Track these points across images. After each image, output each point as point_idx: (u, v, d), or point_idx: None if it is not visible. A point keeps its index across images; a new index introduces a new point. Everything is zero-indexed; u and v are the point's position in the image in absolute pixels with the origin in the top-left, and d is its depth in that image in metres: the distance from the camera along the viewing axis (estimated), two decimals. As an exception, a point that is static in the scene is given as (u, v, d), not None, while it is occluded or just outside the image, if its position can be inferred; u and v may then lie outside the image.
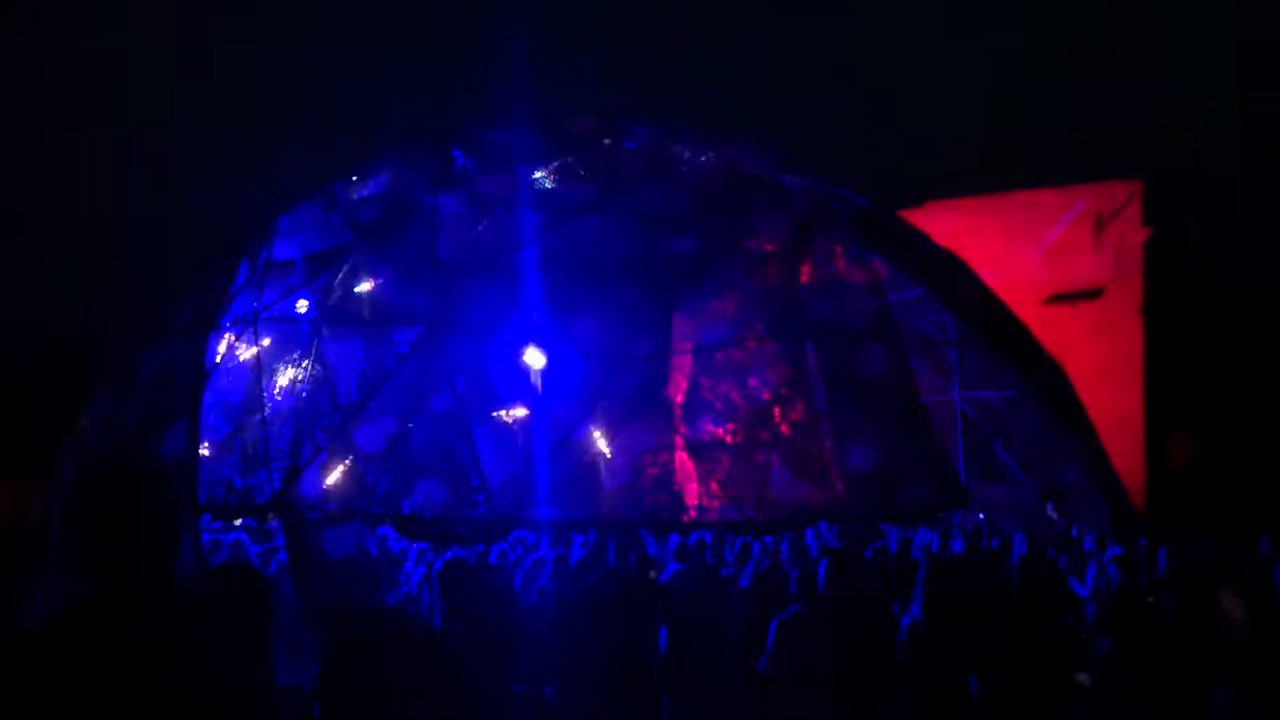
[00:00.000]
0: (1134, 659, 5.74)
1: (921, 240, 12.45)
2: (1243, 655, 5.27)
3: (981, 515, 11.96)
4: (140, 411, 10.60)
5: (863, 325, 11.62)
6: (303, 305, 11.27)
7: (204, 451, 10.52)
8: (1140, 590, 7.02)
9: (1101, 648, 7.03)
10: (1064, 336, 15.69)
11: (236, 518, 10.66)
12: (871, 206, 11.88)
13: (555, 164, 11.86)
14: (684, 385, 10.96)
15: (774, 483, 10.66)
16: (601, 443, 10.75)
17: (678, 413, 10.85)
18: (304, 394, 10.87)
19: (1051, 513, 11.61)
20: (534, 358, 10.64)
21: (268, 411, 10.86)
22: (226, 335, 11.23)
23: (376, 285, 11.40)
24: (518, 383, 10.78)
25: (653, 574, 8.05)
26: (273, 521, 10.32)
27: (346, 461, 10.72)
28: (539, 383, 10.60)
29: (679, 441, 10.71)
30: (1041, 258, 17.94)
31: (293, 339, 11.18)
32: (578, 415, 10.70)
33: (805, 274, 11.49)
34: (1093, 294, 17.82)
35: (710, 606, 7.70)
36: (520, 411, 10.87)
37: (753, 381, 10.94)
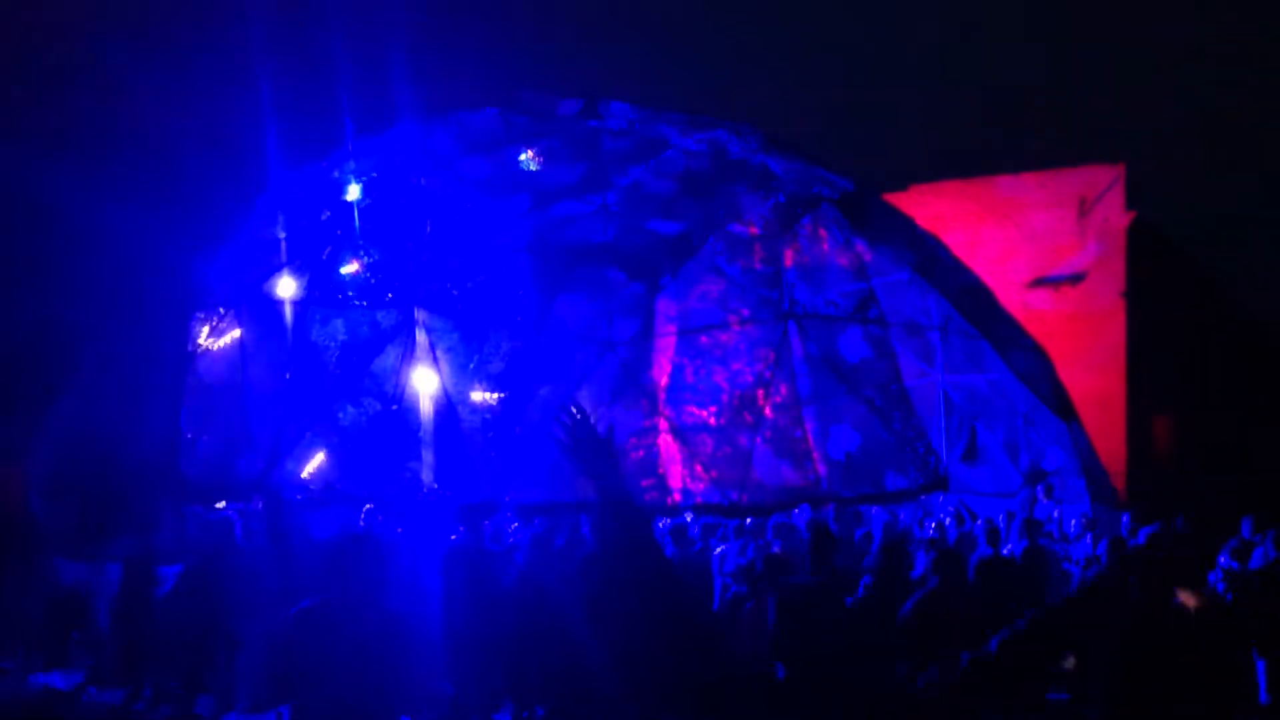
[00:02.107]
0: (1105, 642, 5.79)
1: (906, 224, 12.47)
2: (1194, 645, 5.30)
3: (959, 498, 12.03)
4: (122, 393, 10.56)
5: (846, 308, 11.66)
6: (286, 286, 11.23)
7: (186, 433, 10.49)
8: (1114, 576, 7.07)
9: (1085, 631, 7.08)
10: (1047, 320, 15.77)
11: (219, 499, 10.64)
12: (856, 190, 11.88)
13: (540, 146, 11.83)
14: (668, 368, 10.99)
15: (757, 465, 10.72)
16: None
17: (662, 395, 10.88)
18: (287, 375, 10.85)
19: (1040, 496, 11.68)
20: (518, 339, 10.63)
21: (251, 393, 10.84)
22: (209, 316, 11.19)
23: (360, 266, 11.37)
24: (502, 364, 10.78)
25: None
26: (255, 503, 10.31)
27: (330, 443, 10.72)
28: (522, 365, 10.60)
29: (663, 424, 10.74)
30: (1025, 242, 18.00)
31: (276, 320, 11.15)
32: (561, 398, 10.71)
33: (789, 257, 11.51)
34: (1075, 278, 17.89)
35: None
36: (504, 394, 10.87)
37: (736, 364, 10.98)
